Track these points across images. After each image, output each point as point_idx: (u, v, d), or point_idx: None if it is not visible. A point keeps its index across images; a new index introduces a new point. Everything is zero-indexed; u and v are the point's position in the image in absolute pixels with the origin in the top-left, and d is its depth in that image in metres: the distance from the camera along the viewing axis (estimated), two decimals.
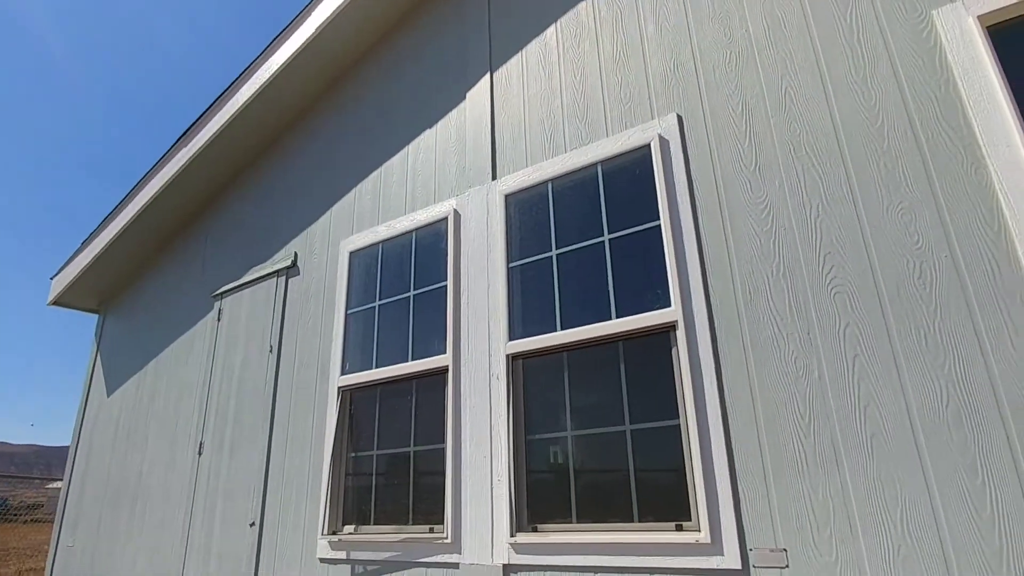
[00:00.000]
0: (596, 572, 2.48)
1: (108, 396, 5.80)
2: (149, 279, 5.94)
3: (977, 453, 1.88)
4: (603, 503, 2.60)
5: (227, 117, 4.77)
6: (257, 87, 4.58)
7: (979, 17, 2.16)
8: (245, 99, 4.66)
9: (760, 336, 2.34)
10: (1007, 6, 2.13)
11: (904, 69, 2.30)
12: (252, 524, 3.82)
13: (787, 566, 2.09)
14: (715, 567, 2.21)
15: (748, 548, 2.17)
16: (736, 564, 2.17)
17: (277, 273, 4.42)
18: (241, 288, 4.70)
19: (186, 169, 5.10)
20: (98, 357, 6.18)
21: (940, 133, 2.17)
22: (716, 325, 2.44)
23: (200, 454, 4.45)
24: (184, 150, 5.11)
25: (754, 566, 2.15)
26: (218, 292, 4.90)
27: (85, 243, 5.88)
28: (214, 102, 4.88)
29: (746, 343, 2.36)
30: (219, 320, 4.78)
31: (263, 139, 5.07)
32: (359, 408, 3.62)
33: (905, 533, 1.93)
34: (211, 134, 4.88)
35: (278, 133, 5.05)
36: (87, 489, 5.57)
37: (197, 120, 5.03)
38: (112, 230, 5.60)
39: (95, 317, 6.46)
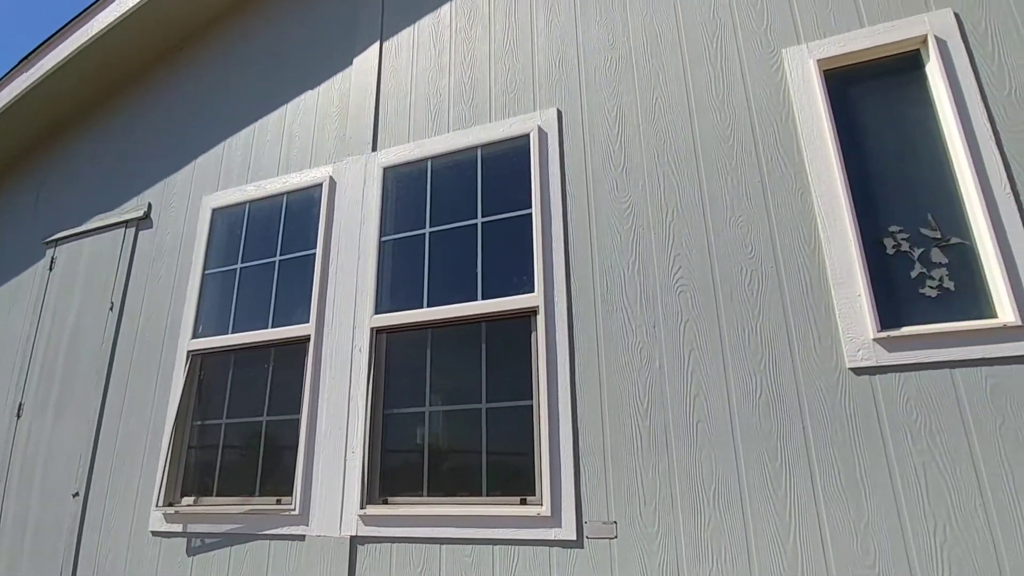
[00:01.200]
0: (442, 543, 2.55)
1: None
2: None
3: (778, 439, 2.17)
4: (455, 478, 2.67)
5: (81, 42, 4.25)
6: (121, 11, 4.12)
7: (818, 61, 2.46)
8: (105, 24, 4.17)
9: (612, 326, 2.51)
10: (841, 54, 2.44)
11: (755, 97, 2.56)
12: (76, 494, 3.50)
13: (615, 537, 2.28)
14: (553, 538, 2.37)
15: (584, 521, 2.35)
16: (572, 536, 2.33)
17: (126, 224, 4.04)
18: (81, 236, 4.24)
19: (25, 97, 4.49)
20: None
21: (778, 158, 2.45)
22: (574, 313, 2.59)
23: (19, 416, 3.99)
24: (24, 75, 4.49)
25: (587, 537, 2.32)
26: (51, 239, 4.39)
27: None
28: (70, 21, 4.31)
29: (599, 332, 2.53)
30: (51, 270, 4.29)
31: (123, 74, 4.58)
32: (209, 374, 3.42)
33: (716, 507, 2.18)
34: (59, 60, 4.32)
35: (141, 70, 4.59)
36: None
37: (44, 42, 4.43)
38: None
39: None
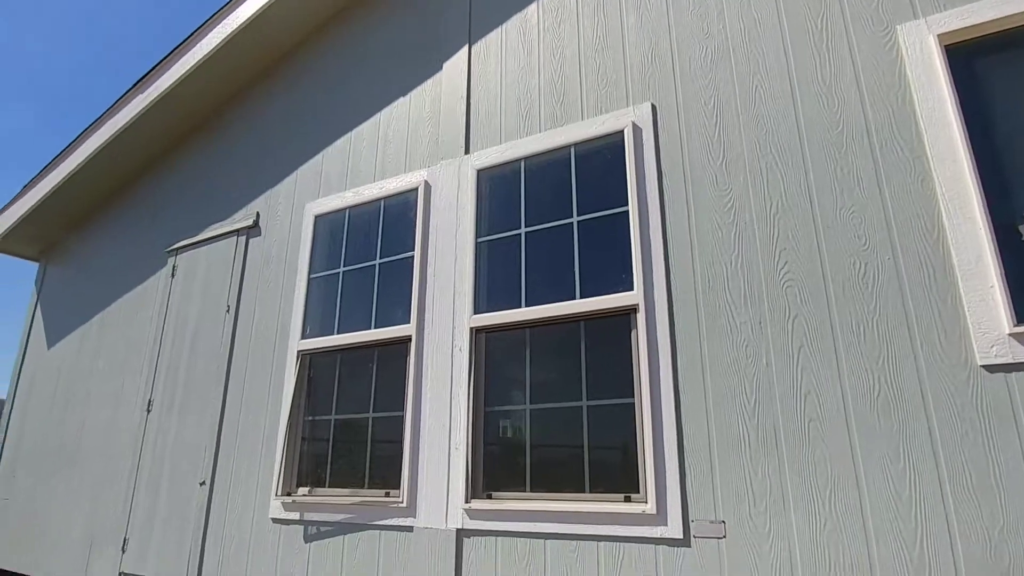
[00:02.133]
0: (547, 538, 2.60)
1: (49, 349, 5.60)
2: (97, 229, 5.72)
3: (901, 441, 2.06)
4: (557, 474, 2.71)
5: (191, 65, 4.59)
6: (226, 34, 4.42)
7: (939, 36, 2.30)
8: (212, 46, 4.49)
9: (715, 324, 2.47)
10: (965, 27, 2.27)
11: (866, 79, 2.43)
12: (202, 483, 3.81)
13: (724, 536, 2.25)
14: (659, 536, 2.36)
15: (690, 519, 2.33)
16: (678, 534, 2.32)
17: (237, 232, 4.33)
18: (198, 245, 4.59)
19: (142, 116, 4.90)
20: (38, 308, 5.94)
21: (893, 143, 2.31)
22: (675, 311, 2.56)
23: (148, 412, 4.38)
24: (140, 96, 4.90)
25: (695, 536, 2.31)
26: (172, 248, 4.77)
27: (27, 186, 5.60)
28: (177, 46, 4.68)
29: (702, 329, 2.49)
30: (172, 277, 4.67)
31: (229, 91, 4.91)
32: (318, 372, 3.63)
33: (832, 511, 2.11)
34: (172, 81, 4.69)
35: (245, 86, 4.90)
36: (24, 443, 5.40)
37: (157, 65, 4.82)
38: (59, 175, 5.35)
39: (35, 266, 6.18)
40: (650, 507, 2.38)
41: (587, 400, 2.71)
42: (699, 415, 2.41)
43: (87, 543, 4.37)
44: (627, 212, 2.75)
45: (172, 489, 3.99)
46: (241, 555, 3.49)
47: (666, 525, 2.36)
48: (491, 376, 3.00)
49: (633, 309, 2.64)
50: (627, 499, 2.50)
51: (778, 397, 2.29)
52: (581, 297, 2.77)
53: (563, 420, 2.76)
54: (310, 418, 3.56)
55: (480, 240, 3.16)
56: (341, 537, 3.16)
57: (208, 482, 3.79)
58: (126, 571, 4.00)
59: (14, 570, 4.84)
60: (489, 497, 2.80)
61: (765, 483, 2.24)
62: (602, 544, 2.48)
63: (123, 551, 4.07)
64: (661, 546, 2.37)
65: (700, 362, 2.46)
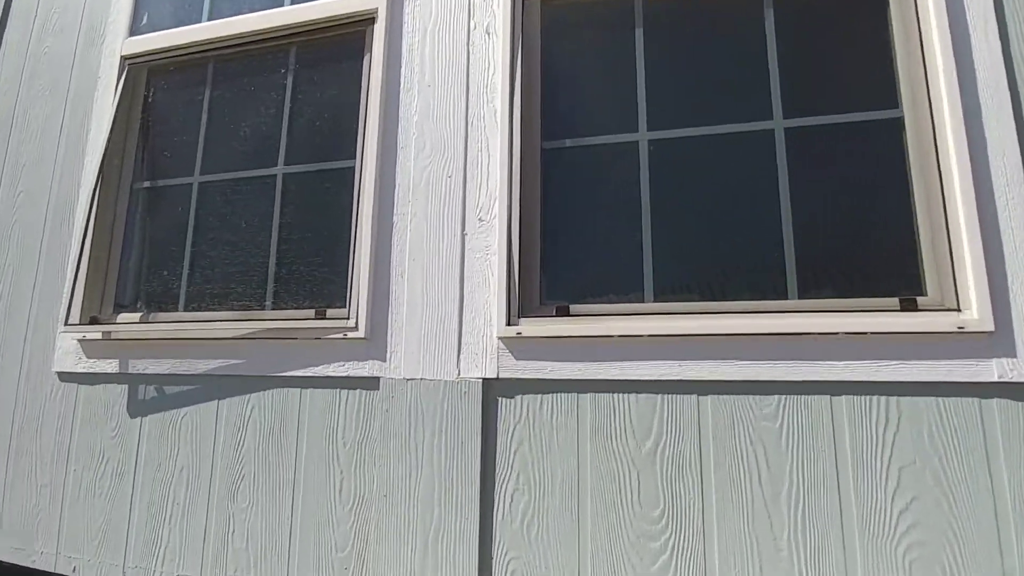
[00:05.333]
0: (709, 391, 1.20)
1: None
2: None
3: None
4: (722, 269, 1.29)
5: None
6: None
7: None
8: None
9: None
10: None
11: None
12: None
13: None
14: (1001, 378, 1.04)
15: None
16: None
17: None
18: None
19: None
20: None
21: None
22: None
23: None
24: None
25: None
26: None
27: None
28: None
29: None
30: None
31: None
32: (166, 100, 1.84)
33: None
34: None
35: None
36: None
37: None
38: None
39: None
40: (974, 317, 1.03)
41: (784, 118, 1.29)
42: None
43: None
44: None
45: None
46: None
47: (1014, 356, 1.04)
48: (558, 82, 1.46)
49: None
50: (907, 305, 1.13)
51: None
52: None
53: (722, 159, 1.32)
54: (146, 185, 1.80)
55: None
56: (213, 404, 1.54)
57: None
58: None
59: None
60: (562, 313, 1.32)
61: None
62: (850, 399, 1.13)
63: None
64: (998, 398, 1.06)
65: None
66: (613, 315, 1.29)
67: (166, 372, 1.60)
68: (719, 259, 1.30)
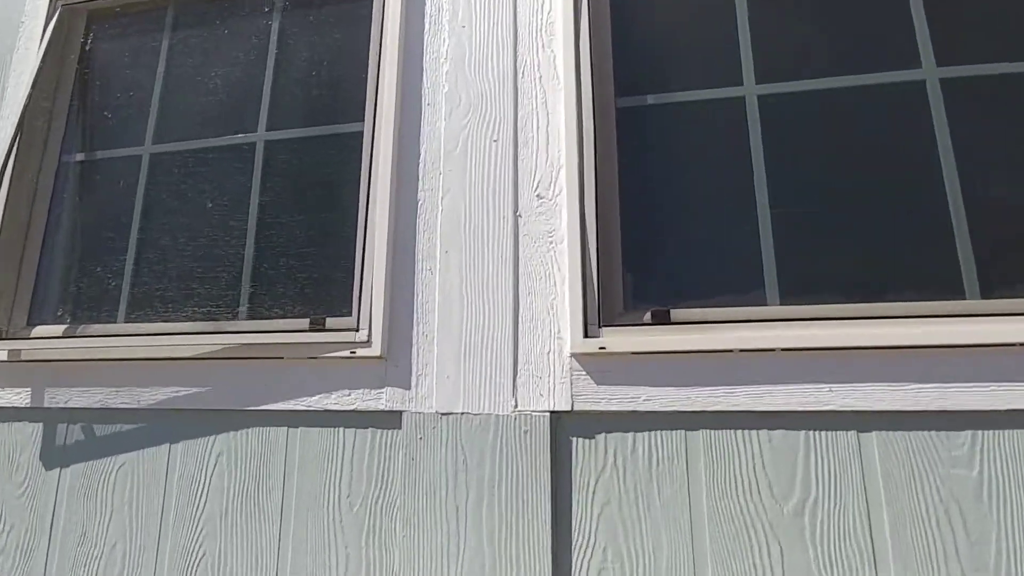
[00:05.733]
0: (872, 427, 0.86)
1: None
2: None
3: None
4: (869, 261, 0.97)
5: None
6: None
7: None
8: None
9: None
10: None
11: None
12: None
13: None
14: None
15: None
16: None
17: None
18: None
19: None
20: None
21: None
22: None
23: None
24: None
25: None
26: None
27: None
28: None
29: None
30: None
31: None
32: (111, 49, 1.44)
33: None
34: None
35: None
36: None
37: None
38: None
39: None
40: None
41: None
42: None
43: None
44: None
45: None
46: None
47: None
48: (638, 16, 1.14)
49: None
50: None
51: None
52: None
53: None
54: (79, 157, 1.38)
55: None
56: (160, 451, 1.13)
57: None
58: None
59: None
60: (659, 321, 0.97)
61: None
62: None
63: None
64: None
65: None
66: (730, 322, 0.95)
67: (97, 405, 1.17)
68: (864, 247, 0.98)
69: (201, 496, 1.09)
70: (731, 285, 1.00)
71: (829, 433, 0.89)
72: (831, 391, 0.89)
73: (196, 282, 1.22)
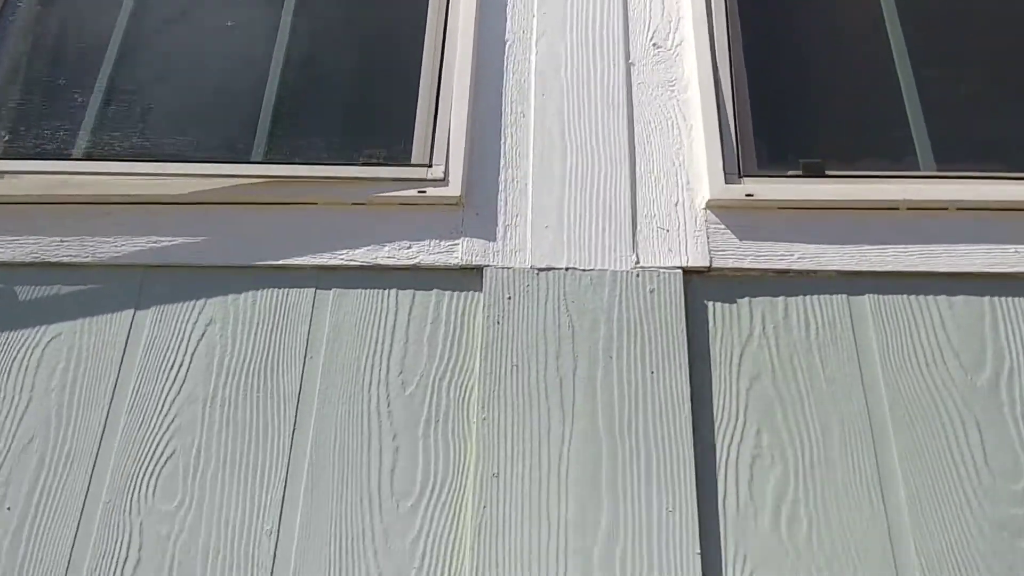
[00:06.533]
0: None
1: None
2: None
3: None
4: None
5: None
6: None
7: None
8: None
9: None
10: None
11: None
12: None
13: None
14: None
15: None
16: None
17: None
18: None
19: None
20: None
21: None
22: None
23: None
24: None
25: None
26: None
27: None
28: None
29: None
30: None
31: None
32: None
33: None
34: None
35: None
36: None
37: None
38: None
39: None
40: None
41: None
42: None
43: None
44: None
45: None
46: None
47: None
48: None
49: None
50: None
51: None
52: None
53: None
54: None
55: None
56: (114, 319, 0.81)
57: None
58: None
59: None
60: (813, 173, 0.83)
61: None
62: None
63: None
64: None
65: None
66: (894, 176, 0.82)
67: (27, 259, 0.84)
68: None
69: (175, 375, 0.77)
70: (877, 148, 0.88)
71: (1019, 299, 0.76)
72: (1017, 252, 0.77)
73: (196, 117, 0.95)
